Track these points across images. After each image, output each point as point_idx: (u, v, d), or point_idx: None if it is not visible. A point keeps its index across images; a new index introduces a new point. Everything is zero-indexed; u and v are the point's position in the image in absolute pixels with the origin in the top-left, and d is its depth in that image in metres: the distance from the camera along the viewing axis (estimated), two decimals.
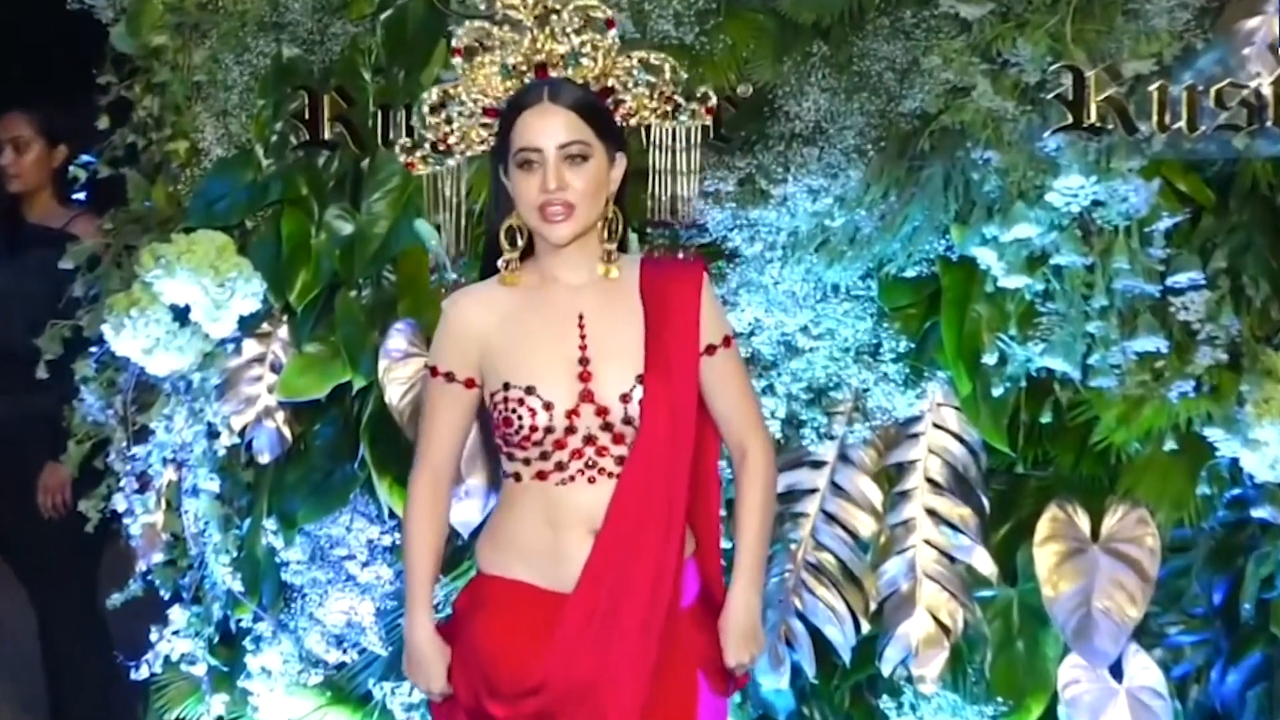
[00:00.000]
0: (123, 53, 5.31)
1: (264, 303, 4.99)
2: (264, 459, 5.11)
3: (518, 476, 3.49)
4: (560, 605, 3.42)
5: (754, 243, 4.55)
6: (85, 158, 5.44)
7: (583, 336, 3.46)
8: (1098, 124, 4.31)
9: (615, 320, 3.47)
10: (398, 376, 4.85)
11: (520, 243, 3.53)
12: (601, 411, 3.42)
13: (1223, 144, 4.32)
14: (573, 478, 3.44)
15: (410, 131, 3.75)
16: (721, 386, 3.53)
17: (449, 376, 3.52)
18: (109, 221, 5.33)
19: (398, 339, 4.87)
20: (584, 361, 3.44)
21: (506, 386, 3.45)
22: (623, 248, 3.55)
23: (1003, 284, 4.37)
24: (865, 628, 4.62)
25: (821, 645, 4.63)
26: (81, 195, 5.85)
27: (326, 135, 5.01)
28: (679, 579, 3.48)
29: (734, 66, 4.59)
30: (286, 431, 5.10)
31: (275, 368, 5.09)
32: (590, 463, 3.43)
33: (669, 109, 3.58)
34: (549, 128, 3.40)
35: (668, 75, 3.57)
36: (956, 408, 4.55)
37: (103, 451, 5.22)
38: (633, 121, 3.57)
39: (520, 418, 3.42)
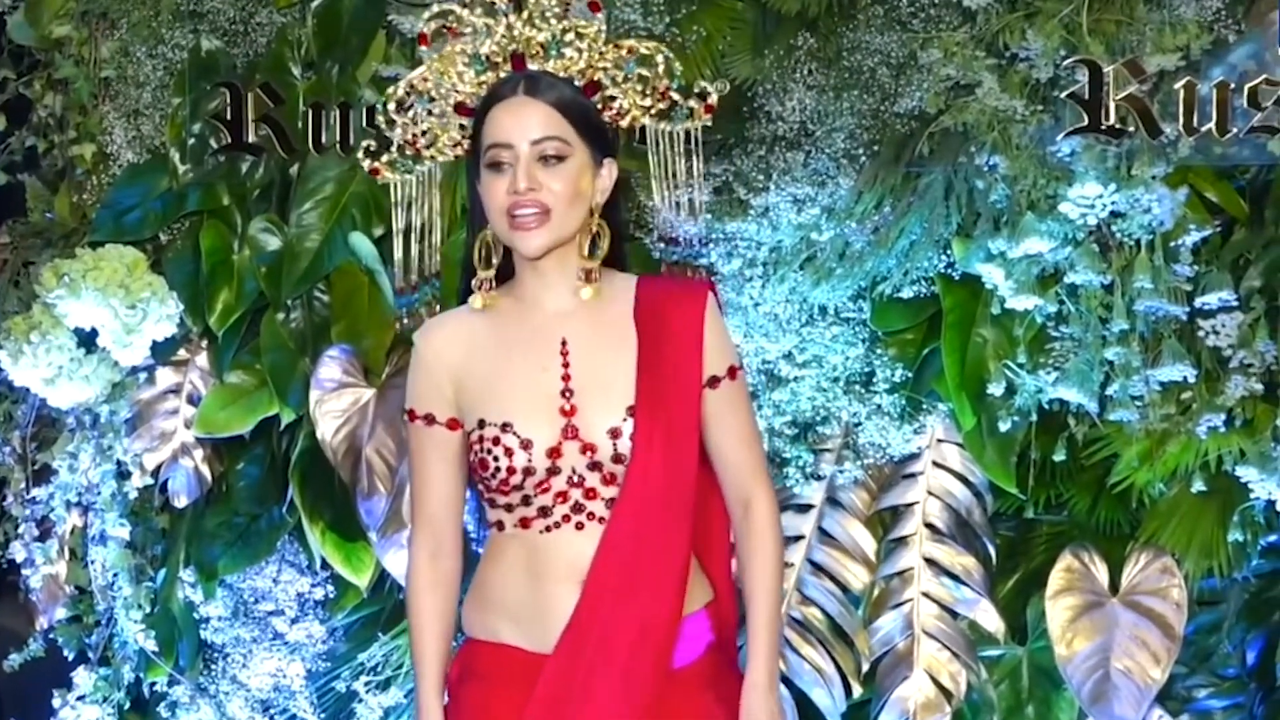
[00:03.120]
0: (20, 44, 5.29)
1: (180, 326, 4.94)
2: (180, 502, 5.07)
3: (500, 525, 3.38)
4: (542, 670, 3.31)
5: (732, 259, 4.51)
6: None
7: (566, 365, 3.34)
8: (1117, 126, 4.29)
9: (604, 347, 3.35)
10: (331, 409, 4.81)
11: (496, 260, 3.41)
12: (588, 449, 3.30)
13: (1257, 148, 4.30)
14: (558, 524, 3.32)
15: (376, 133, 3.64)
16: (722, 425, 3.40)
17: (428, 419, 3.41)
18: (6, 235, 5.29)
19: (331, 367, 4.83)
20: (567, 394, 3.32)
21: (481, 424, 3.34)
22: (622, 267, 3.44)
23: (1011, 305, 4.33)
24: (857, 691, 4.60)
25: (808, 711, 4.60)
26: None
27: (251, 138, 5.01)
28: (671, 636, 3.35)
29: (709, 61, 4.57)
30: (206, 471, 5.06)
31: (193, 400, 5.06)
32: (577, 507, 3.32)
33: (664, 107, 3.44)
34: (522, 123, 3.29)
35: (661, 68, 3.44)
36: (959, 444, 4.54)
37: None
38: (624, 122, 3.44)
39: (496, 459, 3.30)
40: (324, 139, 4.89)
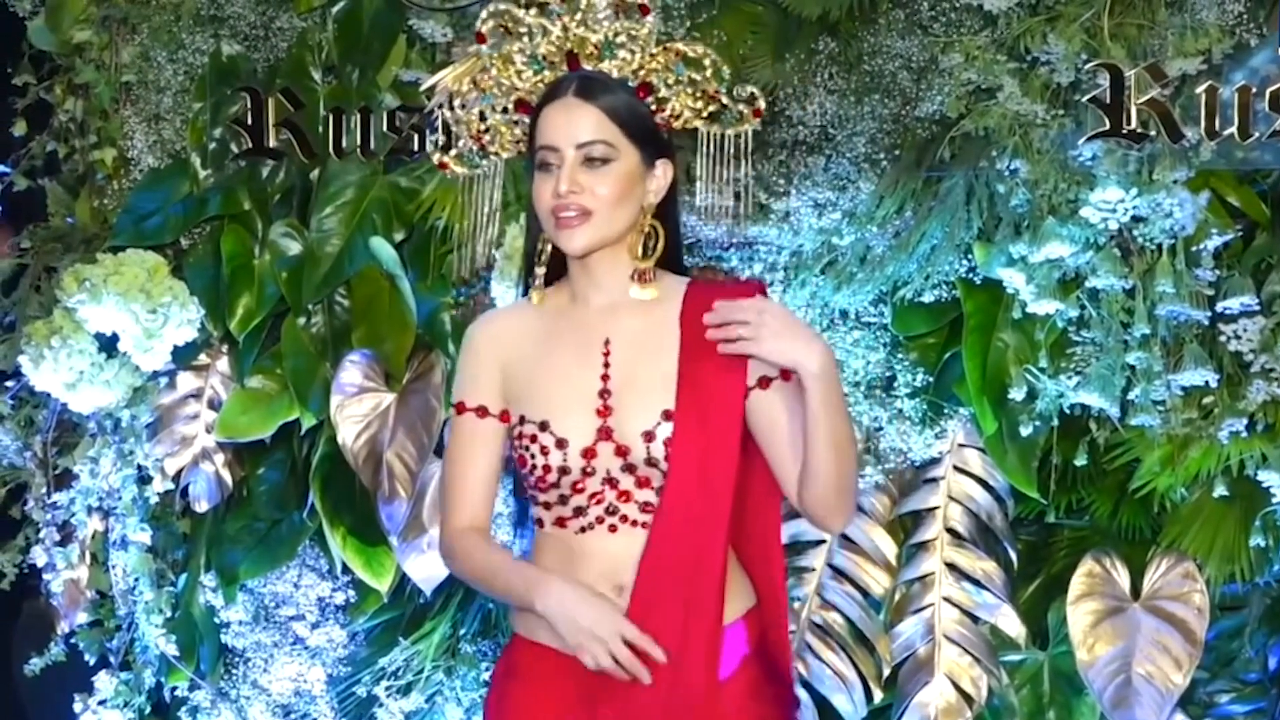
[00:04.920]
0: (42, 50, 5.31)
1: (201, 331, 4.97)
2: (201, 507, 5.09)
3: (540, 523, 3.37)
4: (586, 675, 3.26)
5: (752, 263, 4.53)
6: None
7: (606, 365, 3.33)
8: (1139, 130, 4.30)
9: (646, 348, 3.32)
10: (352, 414, 4.83)
11: (544, 257, 3.40)
12: (621, 451, 3.28)
13: (1278, 152, 4.31)
14: (592, 525, 3.30)
15: (445, 129, 3.63)
16: (777, 425, 3.27)
17: (480, 411, 3.39)
18: (27, 240, 5.31)
19: (352, 372, 4.86)
20: (604, 394, 3.31)
21: (522, 420, 3.34)
22: (677, 268, 3.41)
23: (1032, 309, 4.35)
24: (878, 696, 4.61)
25: (829, 715, 4.61)
26: None
27: (271, 142, 5.04)
28: (714, 647, 3.30)
29: (730, 65, 4.46)
30: (227, 476, 5.08)
31: (214, 404, 5.09)
32: (611, 509, 3.30)
33: (714, 110, 3.43)
34: (569, 125, 3.28)
35: (709, 72, 3.41)
36: (980, 449, 4.54)
37: (19, 498, 5.20)
38: (677, 124, 3.43)
39: (533, 456, 3.30)
40: (344, 144, 4.91)
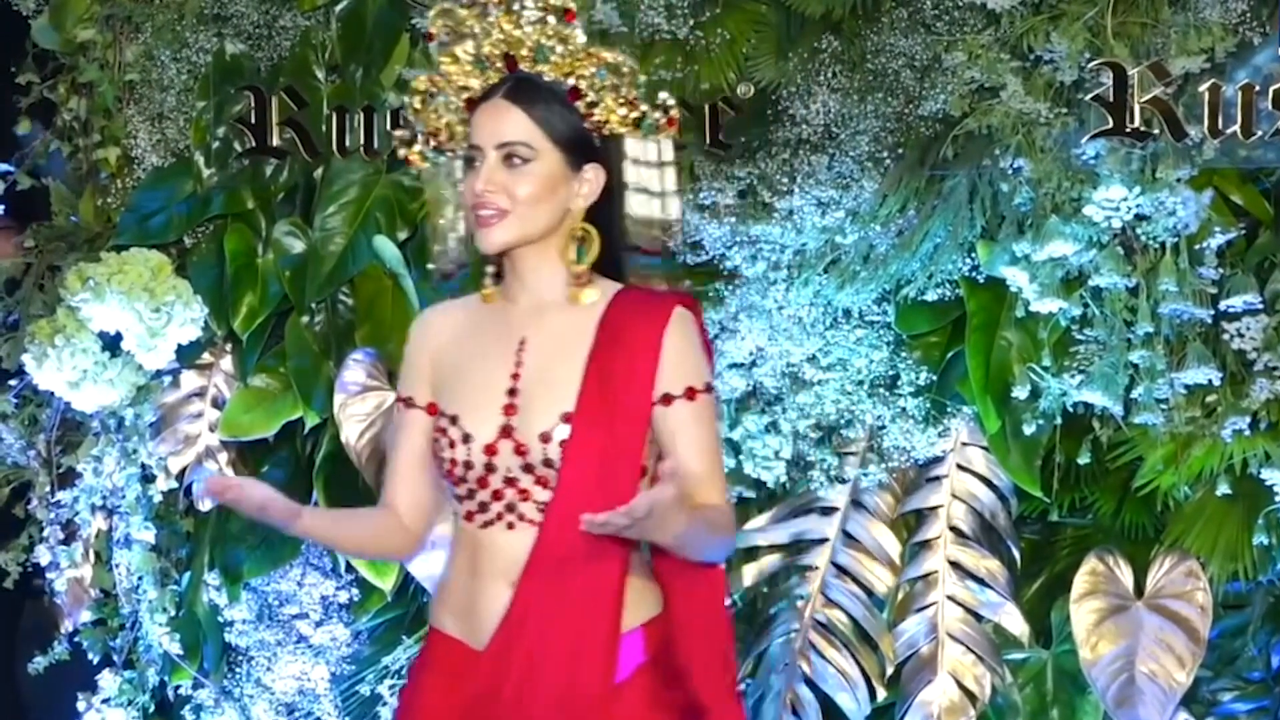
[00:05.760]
0: (45, 49, 5.30)
1: (205, 330, 4.97)
2: (205, 505, 5.09)
3: (456, 515, 3.43)
4: (484, 673, 3.33)
5: (756, 262, 4.54)
6: (3, 166, 5.35)
7: (518, 365, 3.38)
8: (1142, 128, 4.30)
9: (562, 350, 3.36)
10: (355, 413, 4.84)
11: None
12: (520, 450, 3.32)
13: None
14: (492, 521, 3.35)
15: (404, 122, 3.66)
16: (673, 444, 3.31)
17: (407, 401, 3.47)
18: (30, 239, 5.31)
19: (355, 370, 4.87)
20: (512, 393, 3.36)
21: (439, 414, 3.41)
22: (617, 274, 3.42)
23: (1035, 308, 4.35)
24: (881, 694, 4.62)
25: (832, 714, 4.61)
26: None
27: (275, 141, 5.04)
28: (610, 653, 3.33)
29: (733, 64, 4.62)
30: (230, 474, 5.02)
31: (217, 403, 5.09)
32: (510, 506, 3.34)
33: (637, 116, 3.44)
34: (492, 125, 3.34)
35: (627, 78, 3.42)
36: (983, 447, 4.55)
37: (23, 497, 5.19)
38: (605, 130, 3.43)
39: (443, 449, 3.37)
40: (348, 142, 4.92)
